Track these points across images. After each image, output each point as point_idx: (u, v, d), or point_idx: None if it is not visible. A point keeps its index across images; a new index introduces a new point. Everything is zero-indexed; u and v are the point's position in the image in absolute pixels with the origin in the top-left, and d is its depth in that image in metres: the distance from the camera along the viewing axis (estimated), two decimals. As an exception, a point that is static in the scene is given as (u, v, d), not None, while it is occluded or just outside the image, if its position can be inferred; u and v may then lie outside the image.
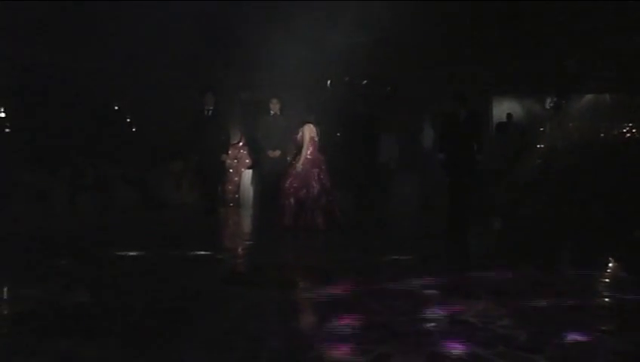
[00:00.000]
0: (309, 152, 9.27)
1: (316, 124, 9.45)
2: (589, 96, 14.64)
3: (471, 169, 8.79)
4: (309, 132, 9.29)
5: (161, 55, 12.29)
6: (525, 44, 12.51)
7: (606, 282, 6.00)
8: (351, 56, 12.12)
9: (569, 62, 13.05)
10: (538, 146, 13.30)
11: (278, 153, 10.63)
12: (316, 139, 9.36)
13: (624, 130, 13.48)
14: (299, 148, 9.42)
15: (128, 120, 14.73)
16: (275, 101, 10.67)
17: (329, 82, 13.97)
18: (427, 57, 13.13)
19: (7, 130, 13.11)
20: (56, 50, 12.10)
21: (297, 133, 9.42)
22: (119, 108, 14.55)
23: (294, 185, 9.16)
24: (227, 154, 11.23)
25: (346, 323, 4.27)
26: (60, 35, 11.75)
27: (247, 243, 8.84)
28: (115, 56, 12.11)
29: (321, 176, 9.25)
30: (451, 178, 8.88)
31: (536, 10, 11.43)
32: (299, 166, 9.17)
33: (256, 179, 12.69)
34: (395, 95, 14.19)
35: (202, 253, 7.26)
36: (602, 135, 13.86)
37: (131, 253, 7.17)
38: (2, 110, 13.09)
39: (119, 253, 7.12)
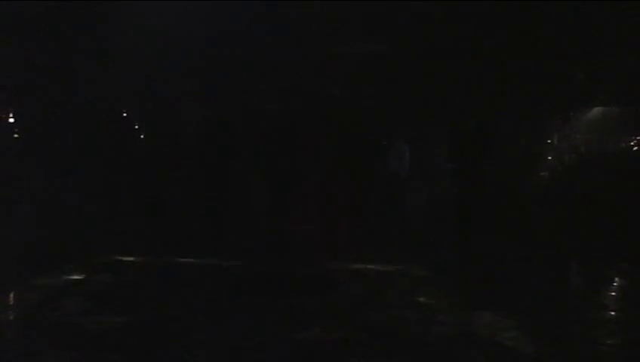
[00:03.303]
0: None
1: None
2: (597, 109, 14.59)
3: (480, 179, 8.77)
4: None
5: (172, 62, 12.32)
6: (533, 54, 12.47)
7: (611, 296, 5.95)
8: (355, 65, 12.11)
9: (577, 74, 13.00)
10: (548, 158, 13.26)
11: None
12: None
13: (632, 143, 13.41)
14: None
15: (136, 127, 14.75)
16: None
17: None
18: (434, 66, 13.11)
19: (15, 135, 13.15)
20: (63, 55, 12.14)
21: None
22: (127, 114, 14.58)
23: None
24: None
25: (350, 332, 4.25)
26: (68, 39, 11.79)
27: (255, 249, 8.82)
28: (124, 61, 12.14)
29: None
30: (460, 188, 8.87)
31: (544, 19, 11.40)
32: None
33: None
34: (404, 104, 14.16)
35: (208, 259, 7.25)
36: (609, 147, 13.80)
37: (135, 259, 7.18)
38: (12, 115, 13.14)
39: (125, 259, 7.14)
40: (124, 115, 13.81)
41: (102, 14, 10.73)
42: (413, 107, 13.78)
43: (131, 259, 7.19)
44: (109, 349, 3.86)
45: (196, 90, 13.15)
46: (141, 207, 11.78)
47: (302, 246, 8.84)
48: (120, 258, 7.20)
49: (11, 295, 5.47)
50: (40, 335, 4.13)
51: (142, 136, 14.31)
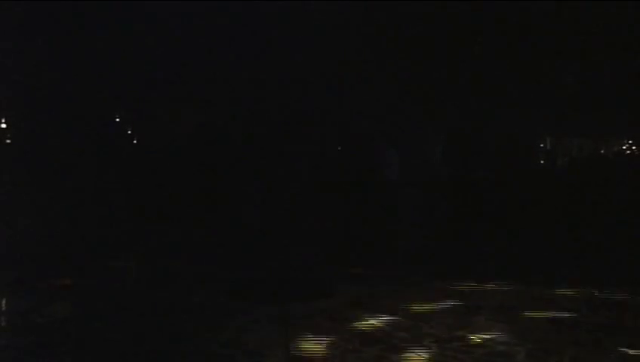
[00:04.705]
0: None
1: None
2: (592, 112, 14.63)
3: (474, 183, 8.80)
4: None
5: (165, 67, 12.30)
6: (527, 58, 12.51)
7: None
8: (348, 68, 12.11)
9: (569, 78, 13.05)
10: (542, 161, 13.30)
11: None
12: None
13: (623, 147, 13.49)
14: None
15: (129, 132, 14.71)
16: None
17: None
18: (431, 72, 13.12)
19: (7, 140, 13.09)
20: (59, 60, 12.10)
21: None
22: (120, 119, 14.54)
23: None
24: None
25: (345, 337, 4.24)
26: (64, 44, 11.76)
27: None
28: (118, 67, 12.12)
29: None
30: (454, 192, 8.89)
31: (539, 24, 11.45)
32: None
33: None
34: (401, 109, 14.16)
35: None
36: (602, 151, 13.87)
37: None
38: (3, 121, 13.09)
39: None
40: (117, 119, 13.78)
41: (97, 15, 10.72)
42: (409, 110, 13.80)
43: (122, 264, 7.16)
44: (98, 355, 3.84)
45: (192, 94, 13.15)
46: (133, 212, 11.76)
47: (298, 251, 8.82)
48: (111, 263, 7.17)
49: (1, 300, 5.43)
50: (29, 340, 4.09)
51: (136, 141, 14.29)
